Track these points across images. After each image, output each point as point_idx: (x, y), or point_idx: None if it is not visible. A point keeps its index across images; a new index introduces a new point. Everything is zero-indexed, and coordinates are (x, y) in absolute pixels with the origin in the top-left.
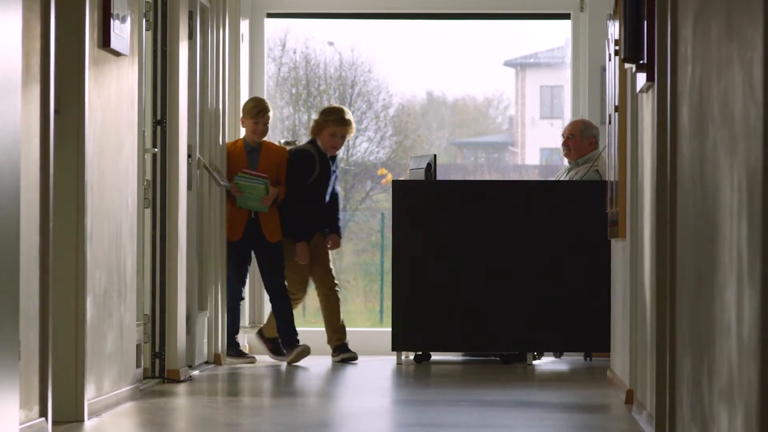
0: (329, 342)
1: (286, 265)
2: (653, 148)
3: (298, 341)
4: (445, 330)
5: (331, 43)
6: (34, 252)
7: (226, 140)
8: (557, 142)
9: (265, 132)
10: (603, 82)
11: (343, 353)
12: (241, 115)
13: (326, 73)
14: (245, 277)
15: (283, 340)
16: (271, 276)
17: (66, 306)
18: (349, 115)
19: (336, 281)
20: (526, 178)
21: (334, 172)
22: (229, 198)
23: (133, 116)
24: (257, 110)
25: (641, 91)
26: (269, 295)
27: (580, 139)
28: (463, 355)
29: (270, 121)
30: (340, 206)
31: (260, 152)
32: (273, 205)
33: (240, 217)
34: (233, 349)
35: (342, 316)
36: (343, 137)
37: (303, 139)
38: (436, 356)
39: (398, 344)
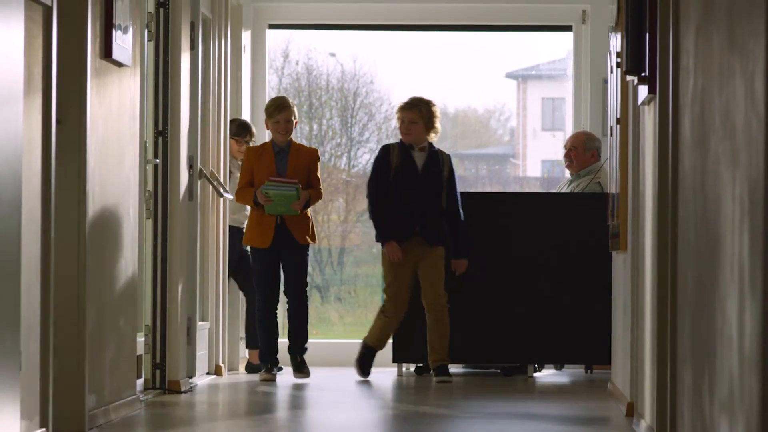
0: (431, 363)
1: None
2: (655, 160)
3: (277, 361)
4: None
5: (333, 54)
6: (35, 262)
7: (227, 151)
8: (559, 154)
9: (288, 129)
10: (605, 95)
11: (440, 375)
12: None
13: (328, 84)
14: (277, 287)
15: (293, 348)
16: (293, 278)
17: (67, 316)
18: (415, 100)
19: (446, 298)
20: (527, 190)
21: (432, 169)
22: (255, 205)
23: (134, 127)
24: (274, 108)
25: (643, 103)
26: (287, 298)
27: (582, 151)
28: (463, 367)
29: (294, 118)
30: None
31: (289, 153)
32: (304, 209)
33: (267, 224)
34: (267, 365)
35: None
36: (412, 122)
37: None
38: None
39: (399, 356)
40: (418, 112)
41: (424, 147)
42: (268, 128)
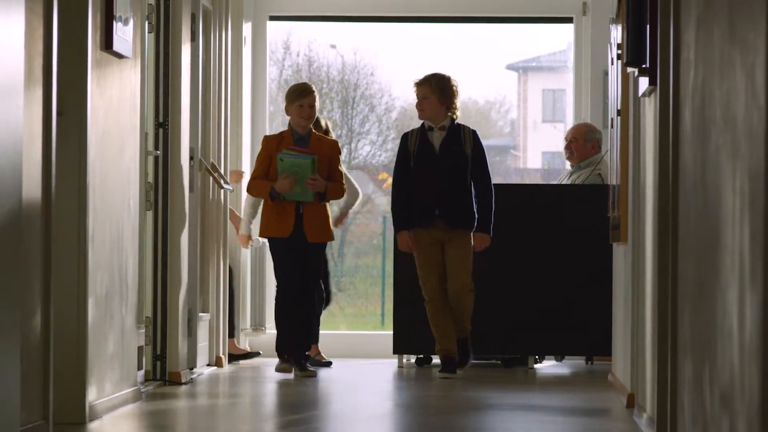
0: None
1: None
2: (655, 152)
3: (307, 359)
4: None
5: (333, 46)
6: (35, 254)
7: (228, 143)
8: (559, 145)
9: (312, 115)
10: (605, 86)
11: (444, 371)
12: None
13: (329, 76)
14: (297, 278)
15: (294, 352)
16: (304, 276)
17: (68, 308)
18: (428, 75)
19: (471, 284)
20: (527, 181)
21: (451, 148)
22: (271, 198)
23: (135, 118)
24: (298, 92)
25: (644, 95)
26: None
27: (582, 142)
28: None
29: (316, 104)
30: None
31: (309, 142)
32: (320, 203)
33: (288, 214)
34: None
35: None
36: (424, 97)
37: None
38: (437, 359)
39: (400, 347)
40: (429, 86)
41: (443, 126)
42: (288, 114)
